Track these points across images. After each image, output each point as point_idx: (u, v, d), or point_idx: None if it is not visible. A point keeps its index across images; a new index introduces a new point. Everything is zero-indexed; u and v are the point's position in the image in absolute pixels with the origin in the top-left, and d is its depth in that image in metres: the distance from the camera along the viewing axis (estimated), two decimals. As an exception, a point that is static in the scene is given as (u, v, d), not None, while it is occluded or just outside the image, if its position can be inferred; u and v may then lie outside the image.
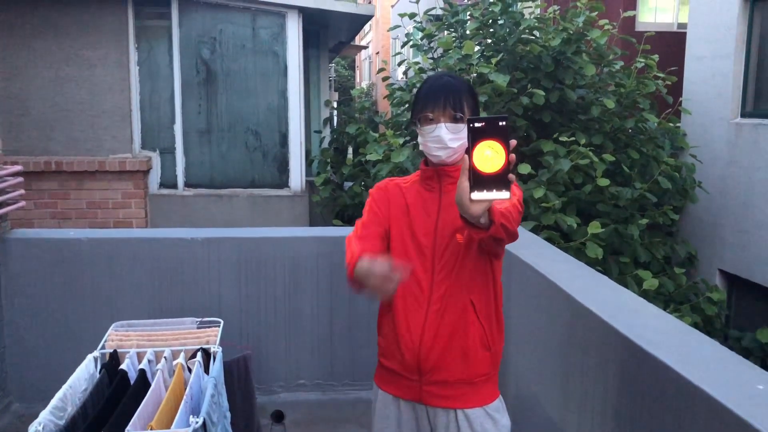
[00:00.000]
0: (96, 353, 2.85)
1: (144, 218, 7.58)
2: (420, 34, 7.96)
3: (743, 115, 7.45)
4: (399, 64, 8.89)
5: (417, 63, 7.69)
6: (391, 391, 2.13)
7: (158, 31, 7.81)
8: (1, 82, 7.41)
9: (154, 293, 3.88)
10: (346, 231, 4.53)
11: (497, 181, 1.45)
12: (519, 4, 7.51)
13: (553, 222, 5.60)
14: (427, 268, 2.02)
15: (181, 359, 2.80)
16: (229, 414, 2.97)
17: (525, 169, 5.82)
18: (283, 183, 8.14)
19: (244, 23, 7.90)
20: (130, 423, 2.25)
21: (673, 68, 7.59)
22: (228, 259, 3.92)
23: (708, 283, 6.85)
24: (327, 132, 10.16)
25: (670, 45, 9.23)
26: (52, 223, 7.36)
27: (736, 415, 1.52)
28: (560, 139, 6.03)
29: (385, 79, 8.56)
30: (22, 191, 4.10)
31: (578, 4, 6.89)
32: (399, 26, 8.25)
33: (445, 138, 1.95)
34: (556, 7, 7.02)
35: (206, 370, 2.84)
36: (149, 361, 2.81)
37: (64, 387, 2.52)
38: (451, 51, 6.85)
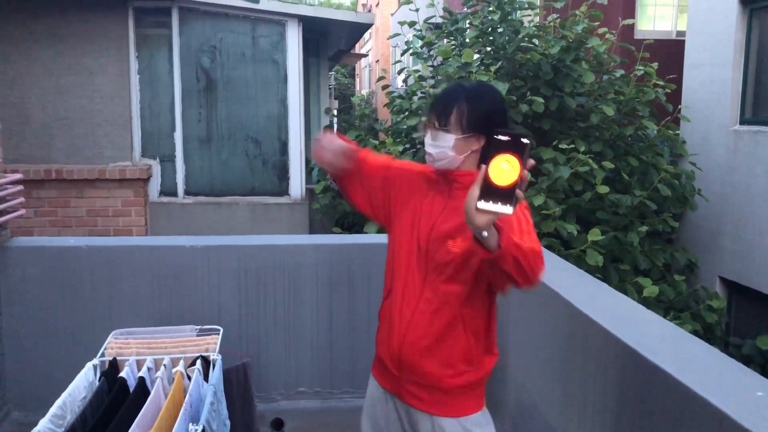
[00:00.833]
0: (95, 361, 2.85)
1: (144, 226, 7.58)
2: (420, 42, 7.99)
3: (742, 123, 7.47)
4: (399, 72, 8.92)
5: (417, 71, 7.71)
6: (379, 380, 2.20)
7: (159, 40, 7.83)
8: (1, 91, 7.43)
9: (153, 301, 3.87)
10: (346, 239, 4.53)
11: (506, 194, 1.46)
12: (518, 12, 7.54)
13: (553, 229, 5.61)
14: (420, 264, 2.04)
15: (180, 367, 2.79)
16: (228, 422, 2.96)
17: (524, 176, 5.81)
18: (283, 191, 8.15)
19: (244, 31, 7.93)
20: (130, 430, 2.25)
21: (672, 76, 7.61)
22: (228, 266, 3.92)
23: (708, 291, 6.84)
24: (327, 140, 10.16)
25: (669, 53, 9.26)
26: (52, 231, 7.36)
27: (735, 422, 1.52)
28: (560, 146, 6.04)
29: (384, 87, 8.58)
30: (22, 199, 4.10)
31: (577, 12, 6.92)
32: (399, 35, 8.27)
33: (427, 143, 2.03)
34: (555, 16, 7.04)
35: (206, 378, 2.83)
36: (148, 369, 2.81)
37: (64, 395, 2.52)
38: (450, 59, 6.87)
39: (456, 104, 1.98)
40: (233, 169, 8.07)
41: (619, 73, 7.33)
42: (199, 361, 2.87)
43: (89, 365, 2.80)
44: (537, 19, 7.80)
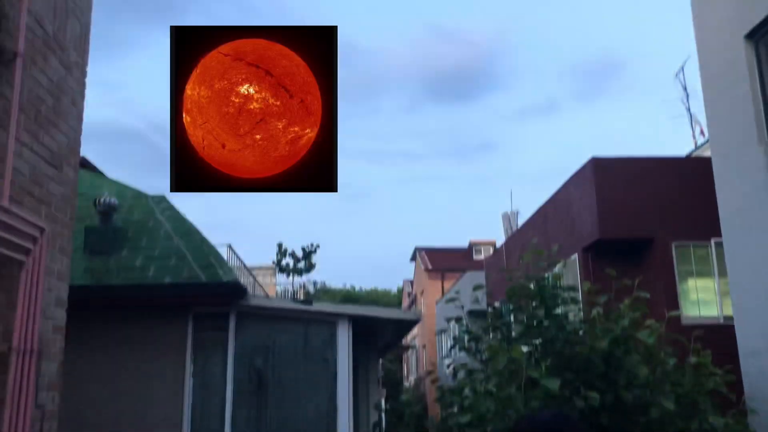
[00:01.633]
0: None
1: None
2: (467, 337, 8.10)
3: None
4: (448, 367, 8.91)
5: (465, 365, 7.71)
6: None
7: (215, 342, 8.15)
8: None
9: None
10: None
11: None
12: (562, 307, 7.72)
13: None
14: None
15: None
16: None
17: (590, 480, 5.44)
18: (332, 495, 7.73)
19: (296, 332, 8.23)
20: None
21: (728, 366, 7.43)
22: None
23: None
24: (377, 436, 9.88)
25: (721, 339, 9.15)
26: None
27: None
28: (623, 445, 5.72)
29: (433, 381, 8.53)
30: None
31: (621, 306, 7.04)
32: (445, 330, 8.45)
33: None
34: (599, 310, 7.17)
35: None
36: None
37: None
38: (499, 355, 6.90)
39: None
40: (280, 472, 7.78)
41: (672, 362, 7.18)
42: None
43: None
44: (581, 314, 7.94)
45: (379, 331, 10.51)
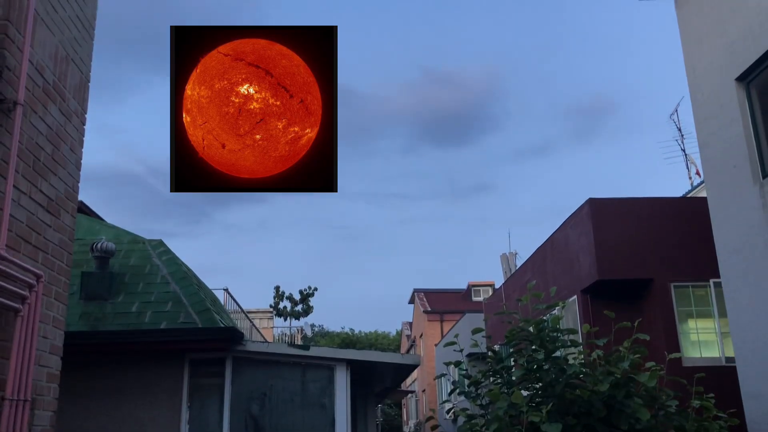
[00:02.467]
0: None
1: None
2: (466, 381, 8.01)
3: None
4: (448, 412, 8.80)
5: (465, 410, 7.61)
6: None
7: (211, 388, 8.04)
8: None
9: None
10: None
11: None
12: (562, 350, 7.66)
13: None
14: None
15: None
16: None
17: None
18: None
19: (294, 377, 8.14)
20: None
21: (732, 410, 7.34)
22: None
23: None
24: (376, 484, 9.69)
25: (723, 381, 9.07)
26: None
27: None
28: (628, 493, 5.61)
29: (433, 428, 8.40)
30: None
31: (621, 348, 6.99)
32: (445, 374, 8.37)
33: None
34: (599, 352, 7.11)
35: None
36: None
37: None
38: (499, 400, 6.81)
39: None
40: None
41: (674, 404, 7.09)
42: None
43: None
44: (581, 356, 7.87)
45: (378, 375, 10.39)
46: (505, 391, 7.38)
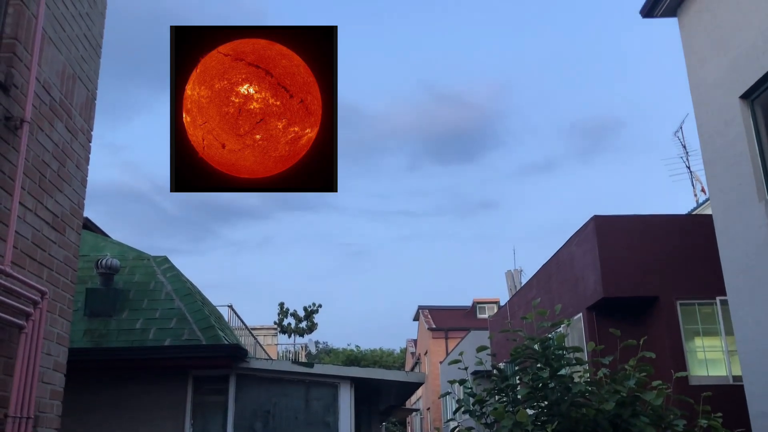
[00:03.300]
0: None
1: None
2: (471, 399, 7.96)
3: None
4: (452, 431, 8.73)
5: (471, 428, 7.55)
6: None
7: (214, 406, 8.01)
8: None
9: None
10: None
11: None
12: (568, 368, 7.61)
13: None
14: None
15: None
16: None
17: None
18: None
19: (298, 395, 8.10)
20: None
21: (740, 429, 7.27)
22: None
23: None
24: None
25: (731, 399, 8.98)
26: None
27: None
28: None
29: (439, 446, 8.33)
30: None
31: (626, 367, 6.94)
32: (450, 393, 8.31)
33: None
34: (605, 371, 7.07)
35: None
36: None
37: None
38: (504, 419, 6.76)
39: None
40: None
41: (681, 424, 7.03)
42: None
43: None
44: (587, 374, 7.82)
45: (383, 393, 10.34)
46: (510, 409, 7.33)
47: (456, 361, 7.75)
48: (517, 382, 7.89)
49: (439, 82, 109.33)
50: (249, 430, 7.91)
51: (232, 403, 7.98)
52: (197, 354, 7.79)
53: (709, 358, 10.90)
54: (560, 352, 7.42)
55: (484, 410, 7.93)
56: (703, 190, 16.16)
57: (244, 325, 14.76)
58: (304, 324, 35.46)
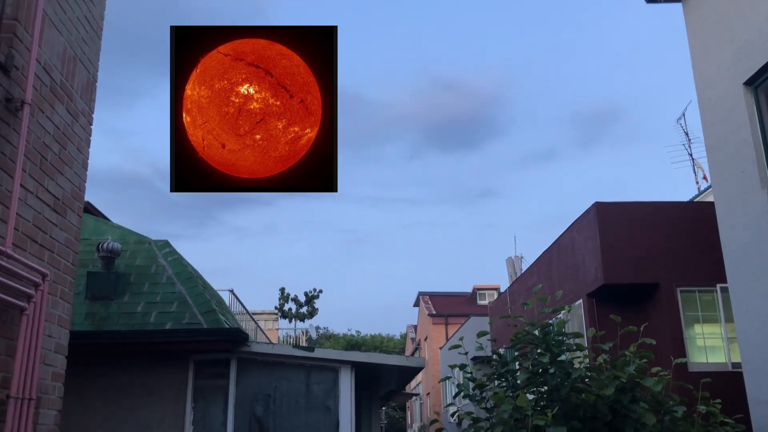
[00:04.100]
0: None
1: None
2: (471, 384, 7.99)
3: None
4: (452, 415, 8.78)
5: (470, 413, 7.58)
6: None
7: (215, 389, 8.04)
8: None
9: None
10: None
11: None
12: (568, 354, 7.63)
13: None
14: None
15: None
16: None
17: None
18: None
19: (298, 379, 8.13)
20: None
21: (738, 416, 7.29)
22: None
23: None
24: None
25: (730, 386, 9.01)
26: None
27: None
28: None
29: (438, 430, 8.37)
30: None
31: (626, 353, 6.96)
32: (450, 377, 8.34)
33: None
34: (605, 356, 7.08)
35: None
36: None
37: None
38: (504, 403, 6.79)
39: None
40: None
41: (681, 410, 7.05)
42: None
43: None
44: (587, 360, 7.85)
45: (383, 377, 10.37)
46: (510, 394, 7.35)
47: (456, 346, 7.77)
48: (517, 367, 7.92)
49: (440, 71, 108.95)
50: (250, 413, 7.95)
51: (233, 387, 8.01)
52: (198, 338, 7.81)
53: (708, 345, 10.92)
54: (560, 337, 7.44)
55: (483, 395, 7.96)
56: (705, 178, 16.12)
57: (245, 309, 14.80)
58: (304, 309, 35.56)
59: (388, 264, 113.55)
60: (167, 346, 7.93)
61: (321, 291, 36.81)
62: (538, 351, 7.37)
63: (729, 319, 10.10)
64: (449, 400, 23.88)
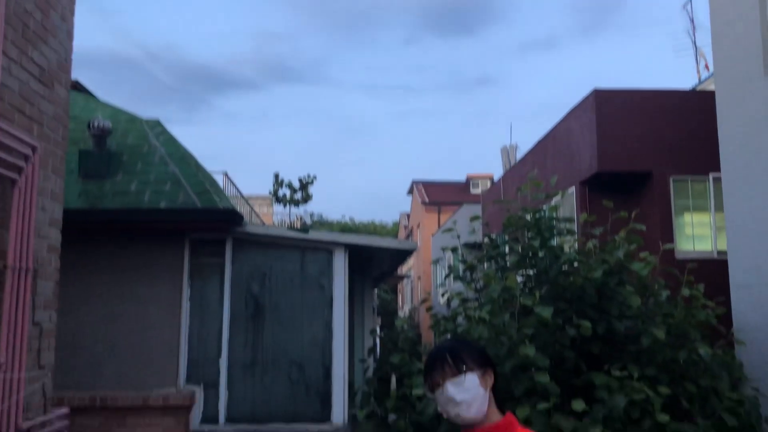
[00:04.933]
0: None
1: (182, 457, 7.34)
2: (462, 266, 8.15)
3: (801, 344, 7.19)
4: (443, 295, 9.01)
5: (460, 293, 7.79)
6: None
7: (211, 268, 8.19)
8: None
9: None
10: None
11: None
12: (558, 237, 7.74)
13: (613, 464, 5.22)
14: None
15: None
16: None
17: (579, 405, 5.58)
18: (325, 417, 7.93)
19: (293, 260, 8.27)
20: None
21: (720, 299, 7.52)
22: None
23: None
24: (371, 361, 10.07)
25: (713, 273, 9.24)
26: (90, 462, 7.17)
27: None
28: (613, 373, 5.83)
29: (428, 309, 8.63)
30: (66, 435, 4.06)
31: (616, 238, 7.06)
32: (441, 259, 8.49)
33: (449, 397, 2.05)
34: (594, 242, 7.19)
35: None
36: None
37: None
38: (493, 283, 6.96)
39: (460, 350, 2.13)
40: (276, 394, 7.95)
41: (665, 294, 7.26)
42: None
43: None
44: (576, 245, 7.97)
45: (376, 260, 10.57)
46: (500, 275, 7.52)
47: (449, 230, 7.87)
48: (507, 251, 8.06)
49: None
50: (246, 291, 8.14)
51: (229, 266, 8.15)
52: (193, 217, 7.86)
53: (696, 234, 11.11)
54: (552, 222, 7.52)
55: (474, 276, 8.15)
56: (706, 67, 15.82)
57: (239, 193, 14.85)
58: (298, 195, 35.74)
59: (382, 152, 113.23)
60: (162, 225, 7.99)
61: (315, 177, 36.88)
62: (529, 235, 7.48)
63: (719, 208, 10.20)
64: (439, 282, 24.55)
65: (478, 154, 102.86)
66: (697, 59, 16.27)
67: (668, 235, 10.56)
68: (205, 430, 7.67)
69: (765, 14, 7.67)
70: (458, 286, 9.00)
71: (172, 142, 9.13)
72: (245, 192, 17.94)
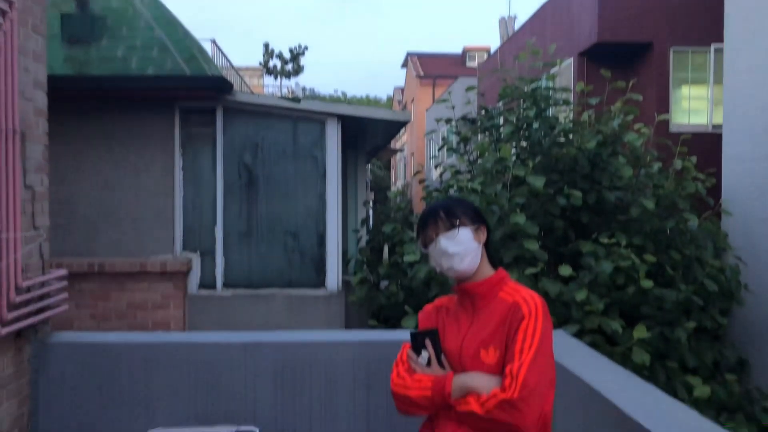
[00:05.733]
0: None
1: (182, 319, 7.61)
2: (456, 138, 8.12)
3: (787, 216, 7.32)
4: (435, 167, 9.03)
5: (453, 166, 7.80)
6: None
7: (203, 137, 8.12)
8: (51, 187, 7.70)
9: (190, 399, 3.82)
10: (382, 335, 4.47)
11: None
12: (553, 108, 7.65)
13: (596, 326, 5.45)
14: None
15: (216, 472, 2.72)
16: None
17: (566, 270, 5.74)
18: (320, 283, 8.16)
19: (285, 130, 8.18)
20: None
21: (711, 170, 7.56)
22: (263, 364, 3.87)
23: (762, 391, 6.51)
24: (364, 231, 10.25)
25: (706, 146, 9.24)
26: (92, 324, 7.43)
27: None
28: (601, 241, 5.96)
29: (421, 181, 8.68)
30: (66, 295, 4.16)
31: (612, 108, 6.99)
32: (434, 131, 8.43)
33: (443, 250, 2.06)
34: (590, 112, 7.12)
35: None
36: (183, 474, 2.74)
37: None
38: (487, 154, 6.95)
39: (453, 206, 2.13)
40: (271, 261, 8.13)
41: (657, 166, 7.29)
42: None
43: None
44: (572, 115, 7.89)
45: (369, 132, 10.49)
46: (494, 147, 7.50)
47: (444, 101, 7.76)
48: (502, 123, 7.99)
49: None
50: (238, 161, 8.11)
51: (221, 136, 8.07)
52: (182, 84, 7.68)
53: (692, 108, 11.01)
54: (548, 92, 7.40)
55: (467, 148, 8.13)
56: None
57: (229, 63, 14.46)
58: (290, 66, 34.88)
59: (376, 23, 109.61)
60: (151, 92, 7.83)
61: (307, 48, 35.91)
62: (525, 105, 7.38)
63: (718, 81, 10.05)
64: (433, 155, 24.55)
65: (476, 25, 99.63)
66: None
67: (664, 108, 10.46)
68: (203, 294, 7.90)
69: None
70: (452, 160, 9.00)
71: (157, 5, 8.76)
72: (234, 63, 17.48)
